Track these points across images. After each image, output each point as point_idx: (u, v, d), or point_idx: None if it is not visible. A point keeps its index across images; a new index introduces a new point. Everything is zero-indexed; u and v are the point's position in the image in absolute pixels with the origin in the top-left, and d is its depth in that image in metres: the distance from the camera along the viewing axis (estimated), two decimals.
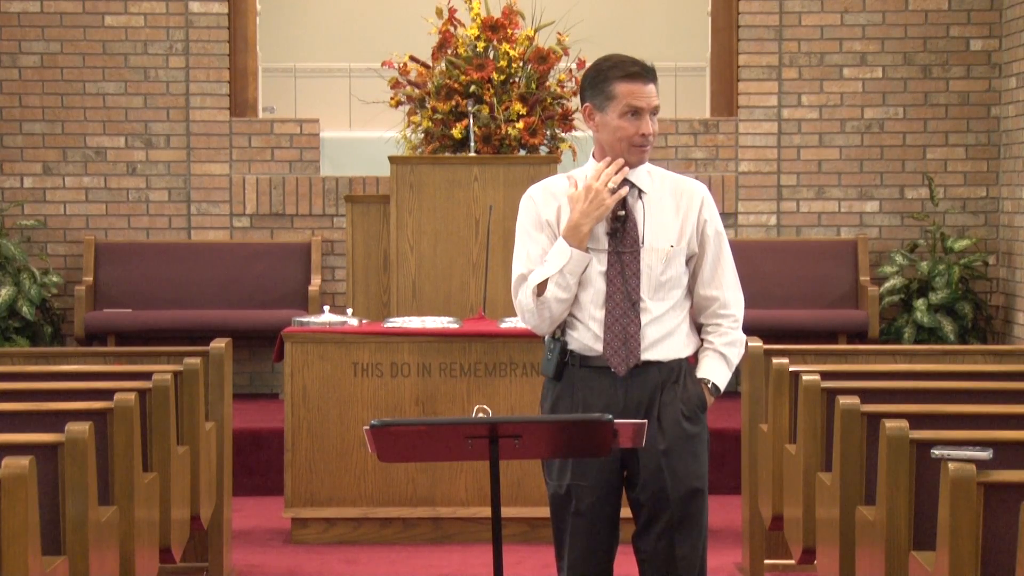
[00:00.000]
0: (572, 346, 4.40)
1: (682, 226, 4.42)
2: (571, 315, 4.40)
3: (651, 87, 4.38)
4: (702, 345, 4.49)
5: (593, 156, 4.47)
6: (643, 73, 4.38)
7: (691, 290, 4.47)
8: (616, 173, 4.35)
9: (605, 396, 4.36)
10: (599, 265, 4.37)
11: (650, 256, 4.37)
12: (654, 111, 4.39)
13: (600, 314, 4.36)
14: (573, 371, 4.40)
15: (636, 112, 4.36)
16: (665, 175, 4.49)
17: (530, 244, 4.43)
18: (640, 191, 4.41)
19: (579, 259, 4.34)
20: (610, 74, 4.39)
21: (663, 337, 4.38)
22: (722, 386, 4.46)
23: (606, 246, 4.37)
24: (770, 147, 9.97)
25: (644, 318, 4.36)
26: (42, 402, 5.31)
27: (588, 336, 4.37)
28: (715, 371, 4.45)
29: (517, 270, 4.45)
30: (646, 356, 4.35)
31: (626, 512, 4.45)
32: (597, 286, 4.37)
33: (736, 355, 4.48)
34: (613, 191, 4.34)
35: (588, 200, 4.34)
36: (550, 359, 4.42)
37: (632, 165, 4.42)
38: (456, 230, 8.13)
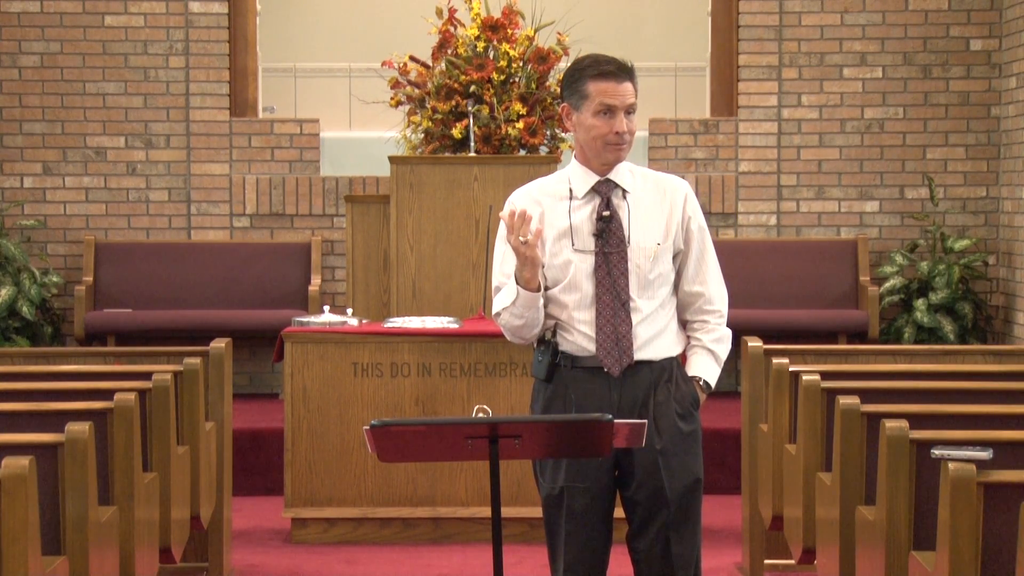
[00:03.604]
0: (564, 347, 4.37)
1: (667, 223, 4.39)
2: (560, 318, 4.37)
3: (626, 85, 4.33)
4: (689, 343, 4.48)
5: (575, 158, 4.46)
6: (617, 71, 4.34)
7: (676, 287, 4.45)
8: (522, 223, 4.19)
9: (598, 397, 4.33)
10: (586, 266, 4.34)
11: (637, 255, 4.34)
12: (629, 109, 4.34)
13: (589, 315, 4.33)
14: (565, 372, 4.37)
15: (610, 110, 4.32)
16: (647, 173, 4.47)
17: (506, 254, 4.36)
18: (624, 191, 4.39)
19: (526, 298, 4.29)
20: (584, 73, 4.36)
21: (654, 336, 4.36)
22: (713, 383, 4.45)
23: (593, 247, 4.35)
24: (770, 147, 9.97)
25: (635, 317, 4.33)
26: (42, 402, 5.31)
27: (580, 338, 4.34)
28: (706, 368, 4.44)
29: (493, 280, 4.42)
30: (639, 356, 4.33)
31: (619, 512, 4.43)
32: (585, 289, 4.34)
33: (724, 351, 4.47)
34: (526, 240, 4.20)
35: (516, 258, 4.27)
36: (541, 361, 4.39)
37: (609, 164, 4.38)
38: (456, 230, 8.13)
